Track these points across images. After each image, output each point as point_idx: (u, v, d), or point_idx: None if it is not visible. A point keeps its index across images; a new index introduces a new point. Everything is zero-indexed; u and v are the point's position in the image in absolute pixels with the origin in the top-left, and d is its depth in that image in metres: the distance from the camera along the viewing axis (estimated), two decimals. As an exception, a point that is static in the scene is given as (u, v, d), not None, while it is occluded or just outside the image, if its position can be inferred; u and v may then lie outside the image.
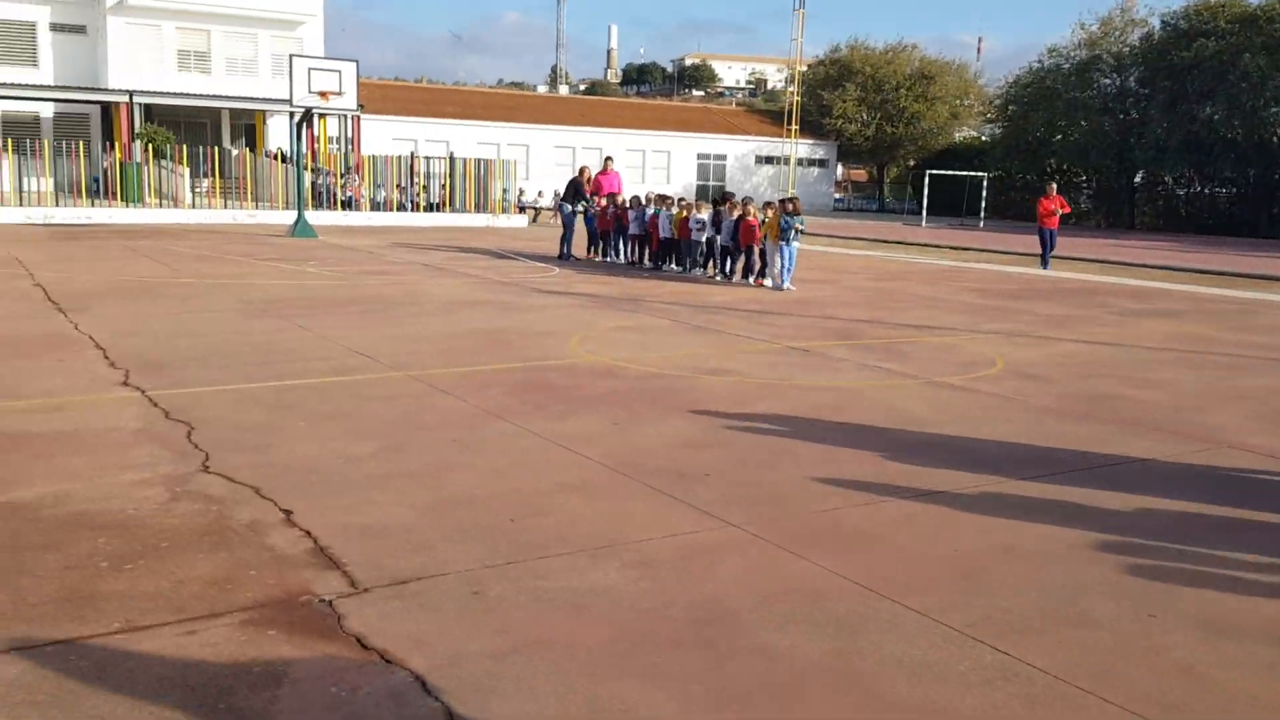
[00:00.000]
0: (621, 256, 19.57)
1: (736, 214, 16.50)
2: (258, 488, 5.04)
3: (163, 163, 30.10)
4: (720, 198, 17.69)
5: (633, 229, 18.81)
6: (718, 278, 16.84)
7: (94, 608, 3.64)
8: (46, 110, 37.43)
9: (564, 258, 19.51)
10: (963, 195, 49.11)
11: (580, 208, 20.09)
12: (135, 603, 3.70)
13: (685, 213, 17.49)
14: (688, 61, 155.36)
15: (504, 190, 32.72)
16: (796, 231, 15.47)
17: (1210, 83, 44.43)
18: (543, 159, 50.74)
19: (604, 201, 19.62)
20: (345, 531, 4.48)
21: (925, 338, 11.00)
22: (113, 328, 9.63)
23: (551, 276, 16.24)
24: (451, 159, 32.90)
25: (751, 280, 16.13)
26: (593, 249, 20.29)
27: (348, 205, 29.47)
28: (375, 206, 30.30)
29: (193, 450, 5.66)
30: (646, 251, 18.76)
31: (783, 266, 15.46)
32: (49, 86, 35.76)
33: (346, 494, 5.01)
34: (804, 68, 60.37)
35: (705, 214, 17.27)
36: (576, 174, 20.78)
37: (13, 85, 34.44)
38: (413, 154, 33.62)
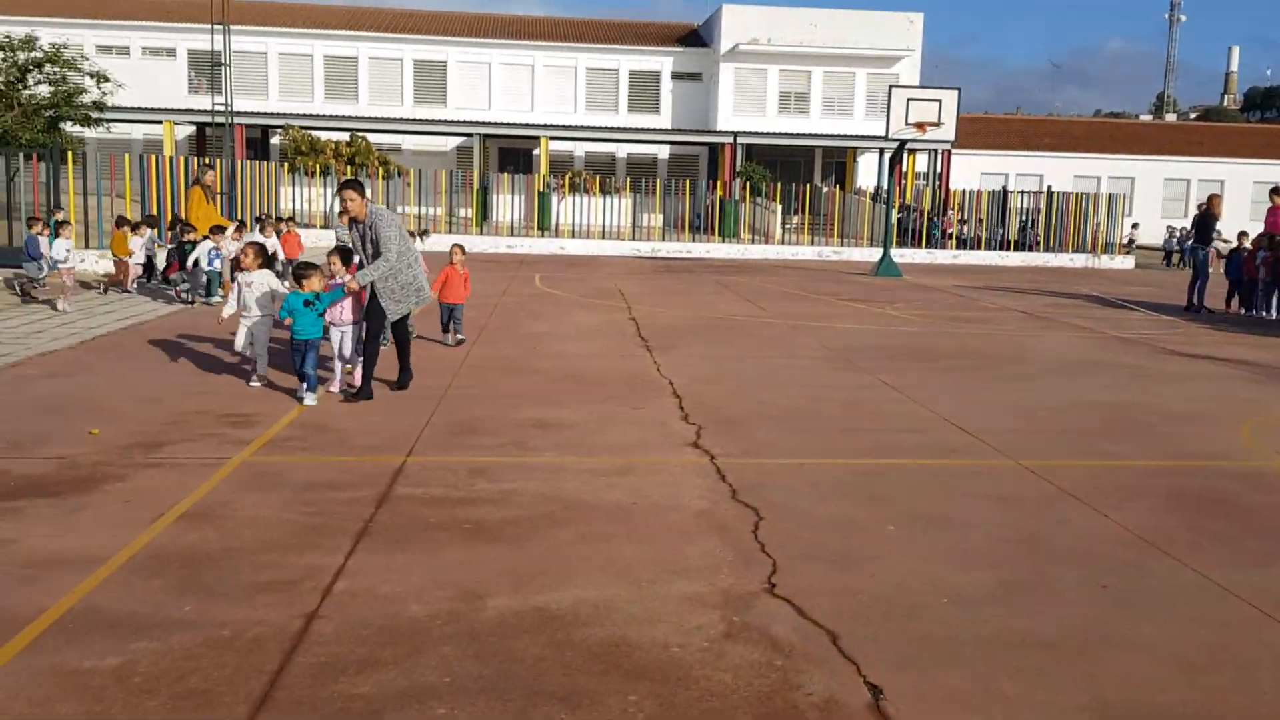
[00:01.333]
0: (1272, 311, 15.80)
1: None
2: (835, 634, 3.71)
3: (757, 200, 31.14)
4: None
5: (1293, 278, 15.04)
6: None
7: (604, 836, 2.52)
8: (663, 152, 41.07)
9: (1194, 309, 16.18)
10: None
11: (1217, 249, 16.62)
12: (659, 838, 2.52)
13: (1379, 259, 13.48)
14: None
15: (1133, 226, 29.09)
16: None
17: None
18: (1150, 193, 45.05)
19: (1252, 242, 16.00)
20: (960, 746, 2.97)
21: None
22: (693, 371, 9.11)
23: (1182, 333, 13.31)
24: (1049, 193, 30.06)
25: None
26: (1233, 300, 16.67)
27: (934, 242, 28.08)
28: (962, 244, 28.55)
29: (758, 554, 4.53)
30: (1312, 307, 14.90)
31: None
32: (667, 130, 39.07)
33: (959, 667, 3.49)
34: None
35: None
36: (1203, 207, 17.23)
37: (640, 130, 38.16)
38: (1004, 189, 31.32)
